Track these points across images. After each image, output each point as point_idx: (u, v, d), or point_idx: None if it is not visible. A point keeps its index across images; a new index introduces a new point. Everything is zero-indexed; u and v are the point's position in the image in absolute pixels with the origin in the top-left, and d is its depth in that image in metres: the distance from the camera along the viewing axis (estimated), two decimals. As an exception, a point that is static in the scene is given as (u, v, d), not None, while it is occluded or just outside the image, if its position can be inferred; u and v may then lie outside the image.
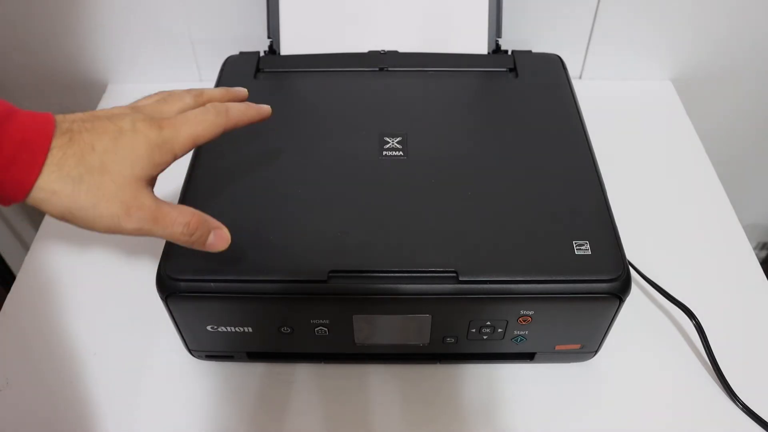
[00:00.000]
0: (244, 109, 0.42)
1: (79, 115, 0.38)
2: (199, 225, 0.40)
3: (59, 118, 0.37)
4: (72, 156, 0.36)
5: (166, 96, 0.42)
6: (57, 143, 0.36)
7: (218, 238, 0.41)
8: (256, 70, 0.66)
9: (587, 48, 0.82)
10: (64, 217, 0.36)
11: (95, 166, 0.36)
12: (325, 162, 0.55)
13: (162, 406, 0.54)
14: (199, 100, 0.42)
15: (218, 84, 0.64)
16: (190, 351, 0.55)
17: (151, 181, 0.40)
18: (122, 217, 0.37)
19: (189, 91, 0.42)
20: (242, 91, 0.45)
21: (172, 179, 0.56)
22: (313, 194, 0.52)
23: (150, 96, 0.42)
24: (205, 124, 0.40)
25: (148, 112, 0.40)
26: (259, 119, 0.43)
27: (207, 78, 0.85)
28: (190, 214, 0.39)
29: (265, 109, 0.43)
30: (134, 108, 0.40)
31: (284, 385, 0.56)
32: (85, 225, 0.37)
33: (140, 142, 0.37)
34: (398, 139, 0.57)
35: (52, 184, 0.35)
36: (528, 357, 0.55)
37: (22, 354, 0.58)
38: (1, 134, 0.34)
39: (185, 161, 0.56)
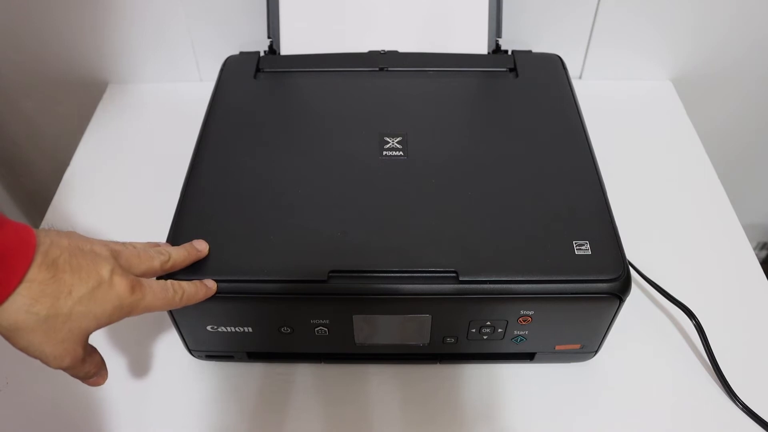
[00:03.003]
0: (194, 292, 0.45)
1: (64, 242, 0.38)
2: (95, 374, 0.43)
3: (45, 242, 0.37)
4: (49, 296, 0.36)
5: (138, 252, 0.43)
6: (39, 276, 0.36)
7: (95, 382, 0.44)
8: (256, 70, 0.66)
9: (587, 48, 0.82)
10: (7, 337, 0.37)
11: (64, 312, 0.37)
12: (325, 162, 0.55)
13: (162, 406, 0.54)
14: (166, 266, 0.45)
15: (218, 84, 0.64)
16: (190, 351, 0.55)
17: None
18: (56, 359, 0.39)
19: (159, 252, 0.45)
20: (203, 250, 0.48)
21: (173, 178, 0.56)
22: (313, 194, 0.52)
23: (122, 243, 0.44)
24: (163, 301, 0.43)
25: (123, 262, 0.41)
26: (206, 297, 0.46)
27: (207, 78, 0.85)
28: (95, 366, 0.43)
29: (211, 289, 0.46)
30: (113, 253, 0.41)
31: (284, 385, 0.56)
32: (20, 348, 0.38)
33: (111, 301, 0.39)
34: (398, 139, 0.57)
35: (19, 314, 0.36)
36: (528, 357, 0.55)
37: (22, 354, 0.58)
38: None
39: (185, 161, 0.56)
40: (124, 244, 0.44)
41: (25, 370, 0.57)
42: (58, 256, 0.37)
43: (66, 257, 0.37)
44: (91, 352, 0.42)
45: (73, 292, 0.37)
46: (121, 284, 0.39)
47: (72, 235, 0.40)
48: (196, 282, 0.46)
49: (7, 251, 0.35)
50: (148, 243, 0.46)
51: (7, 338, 0.37)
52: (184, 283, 0.45)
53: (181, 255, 0.46)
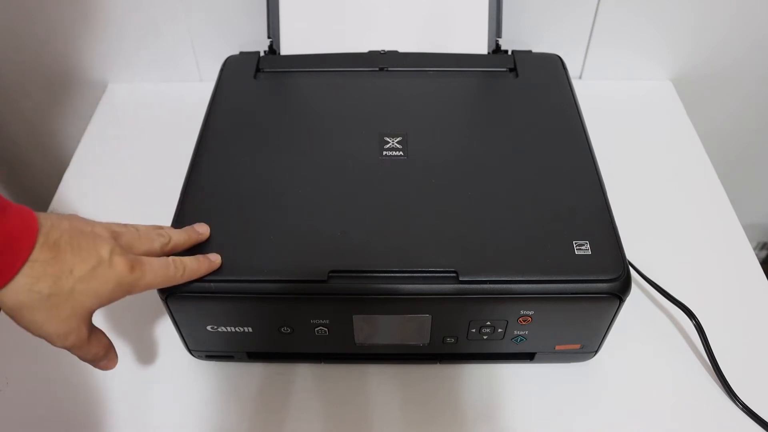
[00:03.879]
0: (196, 267, 0.45)
1: (65, 224, 0.39)
2: (103, 356, 0.44)
3: (46, 224, 0.38)
4: (50, 275, 0.37)
5: (139, 233, 0.44)
6: (41, 256, 0.37)
7: (105, 366, 0.45)
8: (256, 70, 0.66)
9: (587, 48, 0.82)
10: (11, 316, 0.38)
11: (65, 291, 0.38)
12: (325, 162, 0.55)
13: (162, 406, 0.54)
14: (166, 248, 0.45)
15: (218, 84, 0.64)
16: (190, 351, 0.55)
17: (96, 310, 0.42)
18: (59, 338, 0.39)
19: (159, 235, 0.45)
20: (203, 233, 0.48)
21: (173, 178, 0.56)
22: (313, 194, 0.52)
23: (123, 225, 0.44)
24: (164, 278, 0.43)
25: (124, 243, 0.42)
26: (209, 272, 0.46)
27: (207, 78, 0.85)
28: (102, 347, 0.43)
29: (215, 262, 0.47)
30: (113, 234, 0.42)
31: (284, 385, 0.56)
32: (23, 327, 0.39)
33: (111, 280, 0.40)
34: (398, 139, 0.57)
35: (22, 293, 0.37)
36: (528, 357, 0.55)
37: (22, 354, 0.58)
38: None
39: (185, 161, 0.56)
40: (126, 225, 0.44)
41: (25, 370, 0.57)
42: (59, 237, 0.38)
43: (67, 238, 0.38)
44: (97, 332, 0.43)
45: (74, 271, 0.38)
46: (120, 263, 0.40)
47: (72, 217, 0.41)
48: (199, 257, 0.46)
49: (12, 235, 0.36)
50: (151, 226, 0.46)
51: (12, 317, 0.38)
52: (186, 259, 0.45)
53: (181, 237, 0.47)
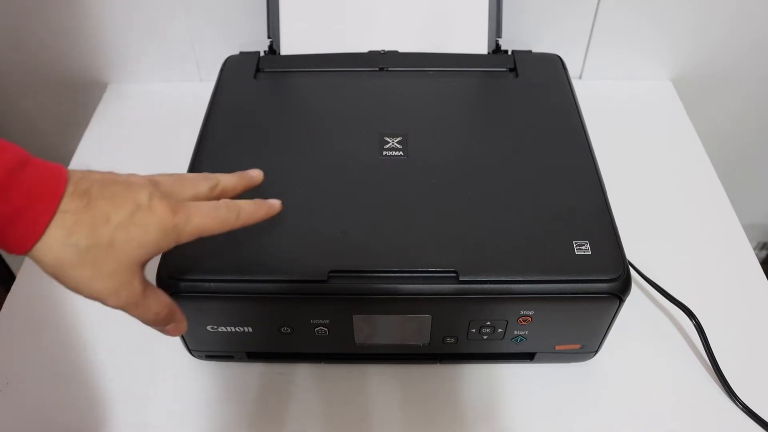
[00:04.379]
0: (253, 210, 0.42)
1: (96, 175, 0.37)
2: (167, 316, 0.41)
3: (76, 174, 0.36)
4: (85, 224, 0.35)
5: (182, 177, 0.41)
6: (72, 206, 0.34)
7: (175, 329, 0.42)
8: (256, 70, 0.66)
9: (587, 48, 0.82)
10: (55, 277, 0.36)
11: (104, 241, 0.35)
12: (325, 162, 0.55)
13: (162, 406, 0.54)
14: (214, 192, 0.42)
15: (218, 84, 0.64)
16: (190, 351, 0.55)
17: (147, 262, 0.39)
18: (111, 295, 0.36)
19: (206, 178, 0.42)
20: (257, 176, 0.45)
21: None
22: (313, 194, 0.52)
23: (166, 174, 0.41)
24: (215, 221, 0.39)
25: (164, 188, 0.39)
26: (268, 217, 0.43)
27: (207, 78, 0.85)
28: (163, 304, 0.40)
29: (275, 206, 0.43)
30: (151, 181, 0.39)
31: (284, 385, 0.56)
32: (72, 288, 0.36)
33: (153, 224, 0.36)
34: (398, 139, 0.57)
35: (58, 249, 0.34)
36: (528, 357, 0.55)
37: (22, 354, 0.58)
38: (11, 185, 0.33)
39: (185, 161, 0.56)
40: (168, 174, 0.41)
41: (25, 370, 0.57)
42: (89, 187, 0.35)
43: (98, 187, 0.36)
44: (154, 289, 0.39)
45: (111, 219, 0.35)
46: (160, 206, 0.37)
47: (106, 172, 0.38)
48: (257, 200, 0.42)
49: (38, 185, 0.34)
50: (196, 173, 0.43)
51: (56, 278, 0.35)
52: (242, 201, 0.41)
53: (231, 181, 0.43)
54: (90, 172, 0.37)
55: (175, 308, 0.41)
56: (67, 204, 0.34)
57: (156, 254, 0.38)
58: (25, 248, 0.34)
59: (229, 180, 0.43)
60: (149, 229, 0.36)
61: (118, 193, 0.36)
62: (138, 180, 0.38)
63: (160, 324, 0.41)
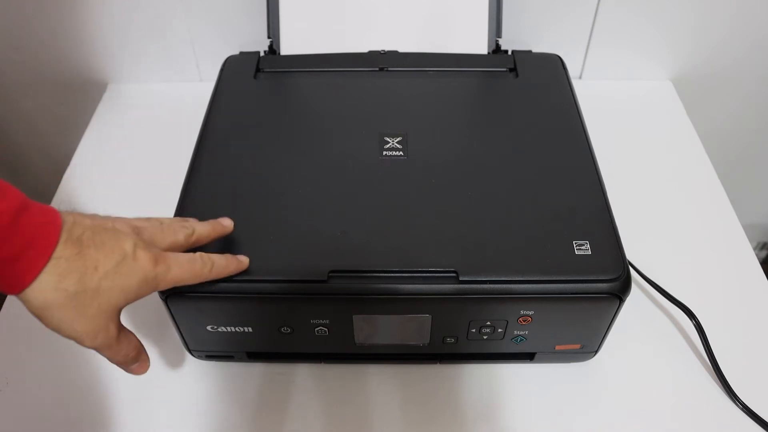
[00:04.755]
0: (225, 265, 0.45)
1: (87, 221, 0.39)
2: (134, 357, 0.44)
3: (69, 219, 0.38)
4: (75, 272, 0.37)
5: (162, 226, 0.44)
6: (65, 253, 0.37)
7: (140, 368, 0.45)
8: (256, 70, 0.66)
9: (587, 48, 0.82)
10: (40, 318, 0.38)
11: (91, 287, 0.38)
12: (325, 162, 0.55)
13: (162, 406, 0.54)
14: (190, 239, 0.45)
15: (218, 84, 0.64)
16: (190, 351, 0.55)
17: (124, 307, 0.41)
18: (88, 337, 0.39)
19: (182, 227, 0.45)
20: (228, 226, 0.48)
21: (173, 178, 0.56)
22: (313, 194, 0.52)
23: (146, 219, 0.44)
24: (191, 273, 0.43)
25: (146, 237, 0.41)
26: (237, 272, 0.46)
27: (207, 78, 0.85)
28: (133, 346, 0.43)
29: (243, 262, 0.46)
30: (135, 229, 0.41)
31: (284, 385, 0.56)
32: (53, 328, 0.38)
33: (136, 274, 0.39)
34: (398, 139, 0.57)
35: (48, 292, 0.36)
36: (528, 357, 0.55)
37: (22, 354, 0.58)
38: (14, 231, 0.35)
39: (185, 161, 0.56)
40: (148, 219, 0.44)
41: (25, 370, 0.57)
42: (81, 234, 0.38)
43: (89, 234, 0.38)
44: (127, 332, 0.42)
45: (99, 267, 0.38)
46: (144, 257, 0.40)
47: (94, 215, 0.41)
48: (228, 255, 0.45)
49: (35, 232, 0.36)
50: (174, 218, 0.46)
51: (40, 318, 0.38)
52: (215, 256, 0.44)
53: (205, 229, 0.46)
54: (80, 216, 0.39)
55: (142, 349, 0.44)
56: (61, 251, 0.37)
57: (134, 300, 0.40)
58: (18, 289, 0.36)
59: (203, 228, 0.46)
60: (132, 279, 0.39)
61: (106, 241, 0.39)
62: (123, 228, 0.41)
63: (128, 364, 0.43)
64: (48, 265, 0.36)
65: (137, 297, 0.40)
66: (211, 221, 0.47)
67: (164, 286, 0.42)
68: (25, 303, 0.37)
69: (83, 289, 0.37)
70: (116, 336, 0.41)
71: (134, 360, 0.43)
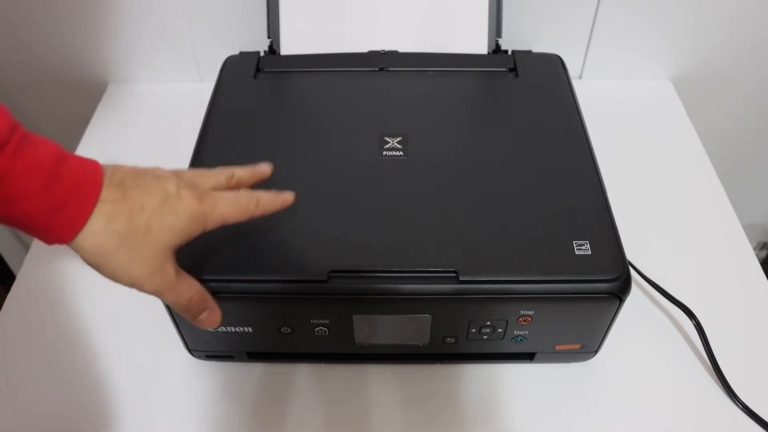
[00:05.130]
0: (270, 200, 0.45)
1: (126, 168, 0.40)
2: (200, 301, 0.43)
3: (109, 168, 0.39)
4: (123, 212, 0.37)
5: (201, 170, 0.44)
6: (110, 196, 0.37)
7: (209, 317, 0.44)
8: (256, 70, 0.66)
9: (587, 48, 0.82)
10: (96, 265, 0.38)
11: (141, 227, 0.38)
12: (325, 162, 0.55)
13: (162, 406, 0.54)
14: (231, 182, 0.45)
15: (218, 84, 0.64)
16: (190, 351, 0.55)
17: (178, 249, 0.41)
18: (147, 280, 0.39)
19: (222, 170, 0.45)
20: (266, 170, 0.48)
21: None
22: (313, 194, 0.52)
23: (185, 170, 0.44)
24: (236, 208, 0.42)
25: (188, 179, 0.42)
26: (283, 207, 0.46)
27: (207, 78, 0.85)
28: (196, 290, 0.43)
29: (289, 198, 0.46)
30: (175, 173, 0.42)
31: (284, 385, 0.56)
32: (110, 276, 0.39)
33: (183, 210, 0.39)
34: (398, 139, 0.57)
35: (100, 236, 0.37)
36: (528, 357, 0.55)
37: (22, 354, 0.58)
38: (57, 177, 0.36)
39: (185, 161, 0.56)
40: (186, 170, 0.44)
41: (25, 370, 0.57)
42: (123, 178, 0.38)
43: (131, 178, 0.39)
44: (186, 275, 0.42)
45: (146, 207, 0.38)
46: (188, 195, 0.40)
47: (133, 165, 0.41)
48: (273, 191, 0.45)
49: (79, 178, 0.36)
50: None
51: (96, 265, 0.38)
52: (259, 192, 0.44)
53: (245, 172, 0.46)
54: (119, 165, 0.40)
55: (207, 295, 0.44)
56: (106, 194, 0.37)
57: (186, 240, 0.40)
58: (69, 236, 0.36)
59: (243, 172, 0.46)
60: (180, 215, 0.39)
61: (149, 183, 0.39)
62: (164, 172, 0.41)
63: (194, 310, 0.43)
64: (95, 209, 0.36)
65: (188, 236, 0.40)
66: (250, 166, 0.47)
67: (213, 224, 0.41)
68: (79, 251, 0.37)
69: (133, 229, 0.37)
70: (175, 276, 0.40)
71: (199, 305, 0.43)
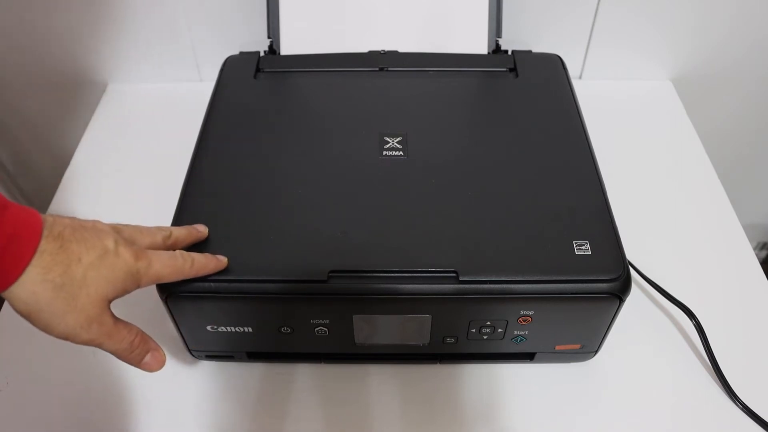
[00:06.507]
0: (205, 263, 0.46)
1: (66, 221, 0.40)
2: (141, 343, 0.43)
3: (48, 219, 0.39)
4: (60, 264, 0.37)
5: (140, 227, 0.45)
6: (48, 247, 0.37)
7: (153, 358, 0.44)
8: (256, 70, 0.66)
9: (587, 48, 0.82)
10: (29, 314, 0.38)
11: (77, 278, 0.38)
12: (325, 162, 0.55)
13: (162, 406, 0.54)
14: (167, 242, 0.46)
15: (218, 84, 0.64)
16: (190, 351, 0.55)
17: (113, 300, 0.41)
18: (83, 329, 0.39)
19: (159, 229, 0.46)
20: (203, 231, 0.49)
21: (173, 178, 0.56)
22: (313, 194, 0.52)
23: (125, 224, 0.44)
24: (171, 268, 0.43)
25: (126, 236, 0.42)
26: (216, 270, 0.46)
27: (207, 78, 0.85)
28: (135, 332, 0.42)
29: (222, 261, 0.47)
30: (114, 228, 0.42)
31: (284, 385, 0.56)
32: (44, 327, 0.38)
33: (120, 267, 0.40)
34: (398, 139, 0.57)
35: (35, 285, 0.37)
36: (528, 357, 0.55)
37: (22, 354, 0.58)
38: None
39: (185, 161, 0.56)
40: (126, 224, 0.45)
41: (25, 370, 0.57)
42: (62, 230, 0.38)
43: (70, 231, 0.39)
44: (125, 322, 0.42)
45: (83, 259, 0.38)
46: (125, 252, 0.40)
47: (72, 218, 0.41)
48: (208, 254, 0.46)
49: (19, 227, 0.36)
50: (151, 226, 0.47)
51: (28, 316, 0.38)
52: (195, 254, 0.45)
53: (182, 232, 0.47)
54: (59, 217, 0.40)
55: (148, 336, 0.44)
56: (45, 245, 0.37)
57: (121, 295, 0.41)
58: (4, 285, 0.36)
59: (180, 231, 0.47)
60: (116, 271, 0.40)
61: (88, 237, 0.39)
62: (103, 227, 0.41)
63: (137, 353, 0.43)
64: (33, 259, 0.36)
65: (123, 291, 0.41)
66: (187, 226, 0.48)
67: (147, 281, 0.42)
68: (13, 301, 0.37)
69: (70, 280, 0.38)
70: (113, 323, 0.40)
71: (142, 349, 0.43)
